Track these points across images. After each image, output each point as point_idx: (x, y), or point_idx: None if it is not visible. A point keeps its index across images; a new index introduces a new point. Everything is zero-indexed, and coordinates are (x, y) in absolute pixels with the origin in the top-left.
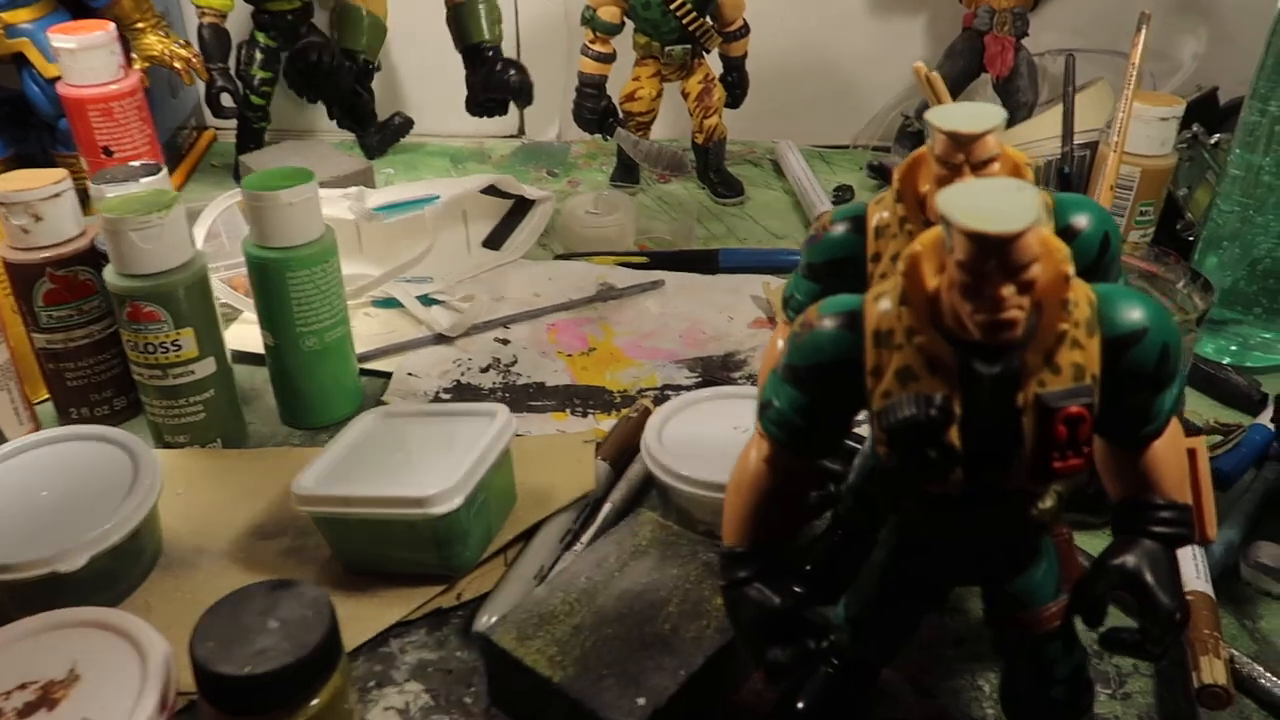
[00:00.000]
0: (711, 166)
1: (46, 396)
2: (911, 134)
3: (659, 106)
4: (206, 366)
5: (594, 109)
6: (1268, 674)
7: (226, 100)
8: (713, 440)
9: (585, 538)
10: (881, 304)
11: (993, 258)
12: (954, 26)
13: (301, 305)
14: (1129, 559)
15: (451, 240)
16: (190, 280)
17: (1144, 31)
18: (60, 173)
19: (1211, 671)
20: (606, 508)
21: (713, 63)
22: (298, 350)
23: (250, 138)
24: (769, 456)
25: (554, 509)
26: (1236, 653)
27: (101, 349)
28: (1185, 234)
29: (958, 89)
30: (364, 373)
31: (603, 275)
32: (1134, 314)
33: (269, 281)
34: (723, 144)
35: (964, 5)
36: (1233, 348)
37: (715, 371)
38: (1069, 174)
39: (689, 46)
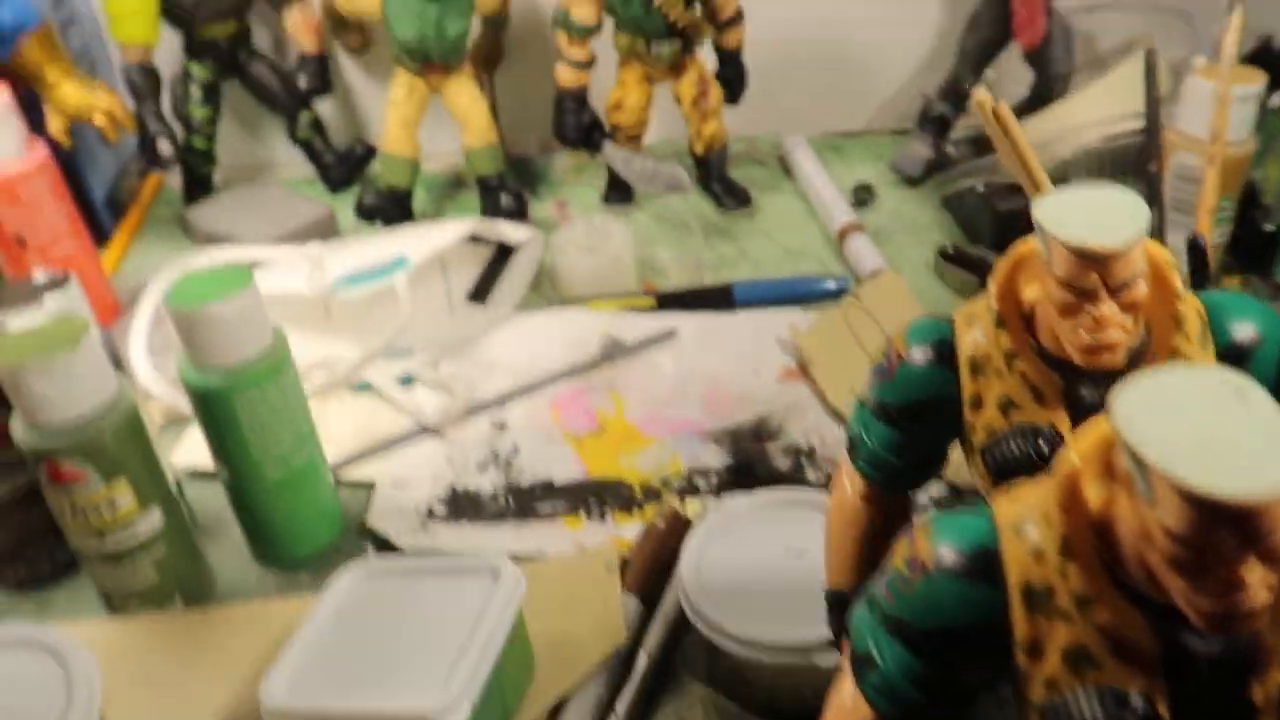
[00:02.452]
0: (713, 175)
1: None
2: (934, 119)
3: (650, 114)
4: (151, 520)
5: (576, 124)
6: None
7: (165, 148)
8: (765, 572)
9: (621, 708)
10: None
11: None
12: None
13: (256, 432)
14: None
15: (431, 297)
16: (118, 422)
17: (1239, 12)
18: None
19: None
20: (641, 660)
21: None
22: (259, 483)
23: (197, 185)
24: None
25: (581, 674)
26: None
27: (31, 502)
28: (1266, 225)
29: (984, 62)
30: (342, 483)
31: (606, 326)
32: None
33: (213, 410)
34: (725, 150)
35: None
36: None
37: (747, 444)
38: (1200, 244)
39: (678, 43)
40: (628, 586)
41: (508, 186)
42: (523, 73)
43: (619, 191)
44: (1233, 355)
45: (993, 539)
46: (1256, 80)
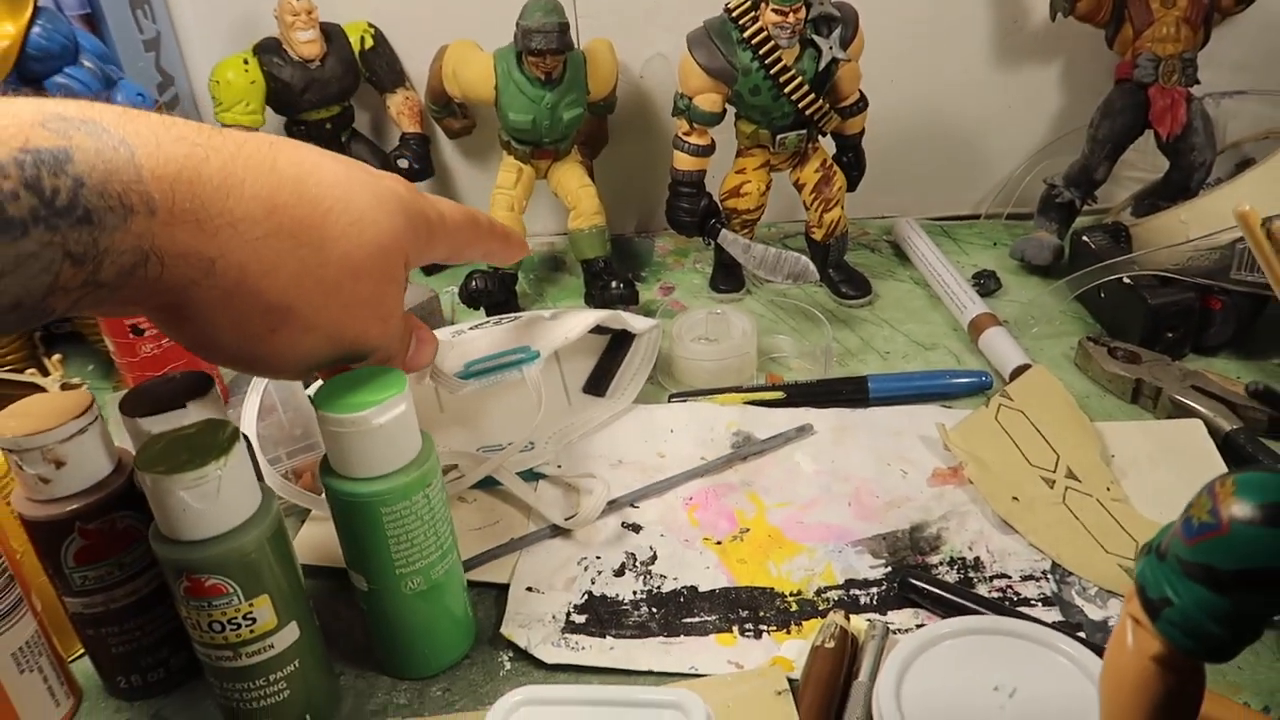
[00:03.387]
0: (831, 263)
1: (82, 651)
2: (1060, 205)
3: (768, 200)
4: (289, 634)
5: (692, 210)
6: None
7: None
8: (976, 712)
9: None
10: None
11: None
12: (1095, 75)
13: (402, 544)
14: None
15: (548, 389)
16: (263, 536)
17: None
18: (82, 399)
19: None
20: None
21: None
22: (398, 595)
23: None
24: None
25: None
26: None
27: (151, 604)
28: None
29: (1118, 151)
30: (470, 585)
31: (734, 420)
32: None
33: (357, 521)
34: (846, 238)
35: (1116, 53)
36: None
37: (906, 555)
38: None
39: (803, 132)
40: (805, 716)
41: (614, 271)
42: (619, 156)
43: (728, 277)
44: None
45: None
46: None
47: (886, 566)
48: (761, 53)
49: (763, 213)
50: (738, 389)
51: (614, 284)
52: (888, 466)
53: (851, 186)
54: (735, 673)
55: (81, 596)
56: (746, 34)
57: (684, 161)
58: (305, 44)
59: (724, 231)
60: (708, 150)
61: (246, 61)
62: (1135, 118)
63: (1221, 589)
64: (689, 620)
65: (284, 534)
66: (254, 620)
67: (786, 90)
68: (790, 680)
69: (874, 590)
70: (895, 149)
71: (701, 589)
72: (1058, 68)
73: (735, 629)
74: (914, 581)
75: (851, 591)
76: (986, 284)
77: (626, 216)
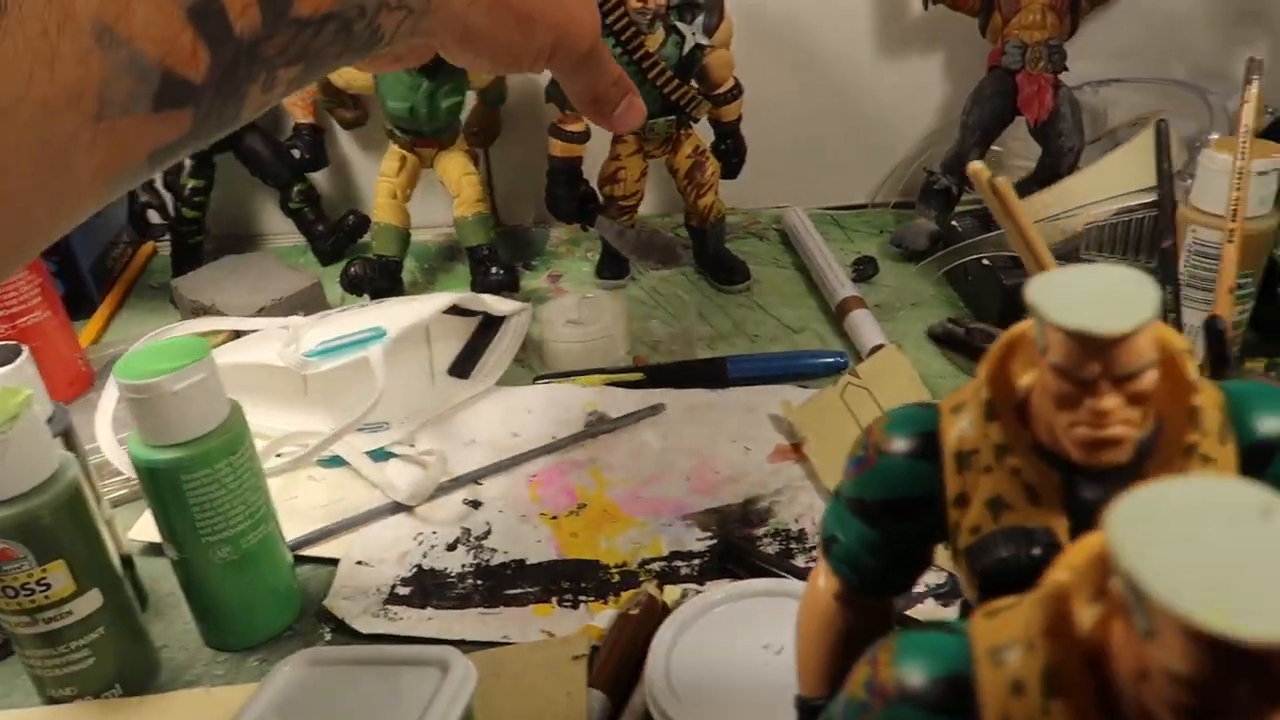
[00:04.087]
0: (710, 249)
1: None
2: (938, 191)
3: (644, 186)
4: (89, 602)
5: (569, 196)
6: None
7: (154, 217)
8: (739, 670)
9: None
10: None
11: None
12: (977, 64)
13: (206, 511)
14: None
15: (413, 370)
16: (56, 501)
17: (1256, 84)
18: None
19: None
20: None
21: (702, 130)
22: (208, 564)
23: (186, 255)
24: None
25: None
26: None
27: None
28: None
29: (989, 137)
30: (304, 560)
31: (592, 401)
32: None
33: (160, 488)
34: (722, 223)
35: (988, 41)
36: None
37: (733, 528)
38: (1219, 327)
39: (672, 118)
40: (595, 680)
41: (498, 258)
42: (518, 146)
43: (613, 265)
44: (1258, 453)
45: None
46: (1276, 154)
47: (713, 539)
48: (624, 38)
49: (640, 198)
50: (601, 371)
51: (494, 270)
52: (732, 444)
53: (731, 173)
54: (541, 640)
55: None
56: (609, 20)
57: (559, 148)
58: None
59: (600, 218)
60: (582, 137)
61: None
62: (1004, 104)
63: (873, 521)
64: (511, 592)
65: (82, 502)
66: (48, 586)
67: (650, 76)
68: (596, 647)
69: (696, 562)
70: (786, 140)
71: (529, 562)
72: (941, 57)
73: (554, 600)
74: (730, 552)
75: (674, 563)
76: (865, 269)
77: (524, 206)
